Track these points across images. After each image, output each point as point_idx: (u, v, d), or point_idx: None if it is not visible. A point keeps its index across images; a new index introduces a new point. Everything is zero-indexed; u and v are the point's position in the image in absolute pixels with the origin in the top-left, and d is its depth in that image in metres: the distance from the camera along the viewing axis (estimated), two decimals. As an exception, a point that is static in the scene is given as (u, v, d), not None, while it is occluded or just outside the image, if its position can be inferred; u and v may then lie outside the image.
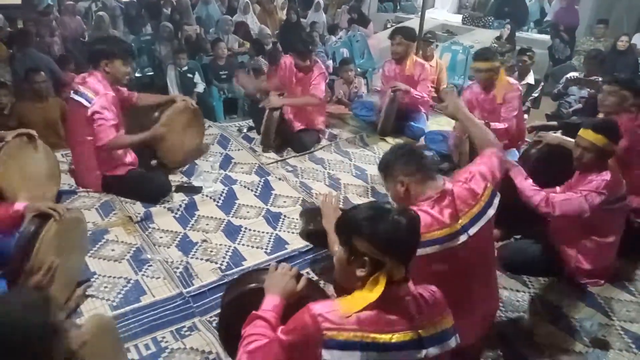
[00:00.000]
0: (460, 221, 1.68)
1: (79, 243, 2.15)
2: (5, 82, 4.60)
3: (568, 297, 2.35)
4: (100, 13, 7.01)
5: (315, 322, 1.22)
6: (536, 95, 5.21)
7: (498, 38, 7.49)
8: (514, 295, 2.33)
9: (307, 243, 2.57)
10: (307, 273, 2.40)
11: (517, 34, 7.86)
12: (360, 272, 1.27)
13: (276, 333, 1.31)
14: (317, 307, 1.25)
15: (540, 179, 2.35)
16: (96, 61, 2.84)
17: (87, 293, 2.14)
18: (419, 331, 1.25)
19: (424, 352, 1.25)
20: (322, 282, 2.32)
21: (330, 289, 1.98)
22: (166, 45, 6.46)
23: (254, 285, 1.64)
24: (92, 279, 2.25)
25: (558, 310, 2.27)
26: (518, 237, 2.71)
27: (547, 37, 7.97)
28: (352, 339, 1.20)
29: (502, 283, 2.33)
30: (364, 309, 1.22)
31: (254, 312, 1.42)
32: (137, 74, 6.17)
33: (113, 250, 2.49)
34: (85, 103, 2.73)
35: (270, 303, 1.44)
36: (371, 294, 1.23)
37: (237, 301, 1.69)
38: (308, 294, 1.55)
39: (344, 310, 1.23)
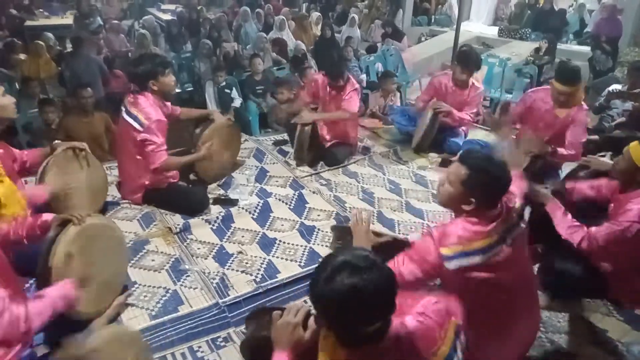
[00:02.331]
0: (498, 233, 1.67)
1: (112, 250, 2.19)
2: (52, 99, 4.87)
3: (613, 320, 2.26)
4: (143, 31, 7.30)
5: None
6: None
7: (537, 50, 7.34)
8: (555, 316, 2.26)
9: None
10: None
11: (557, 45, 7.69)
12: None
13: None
14: None
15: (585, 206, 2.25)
16: (144, 83, 2.93)
17: (127, 302, 2.22)
18: None
19: None
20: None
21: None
22: (205, 62, 6.66)
23: (266, 333, 1.51)
24: (132, 288, 2.33)
25: (603, 333, 2.18)
26: (558, 255, 2.63)
27: (587, 48, 7.77)
28: None
29: (542, 303, 2.26)
30: None
31: None
32: (177, 90, 6.38)
33: (153, 260, 2.57)
34: (137, 127, 2.82)
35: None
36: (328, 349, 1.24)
37: (253, 342, 1.66)
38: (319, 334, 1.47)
39: None
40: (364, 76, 6.93)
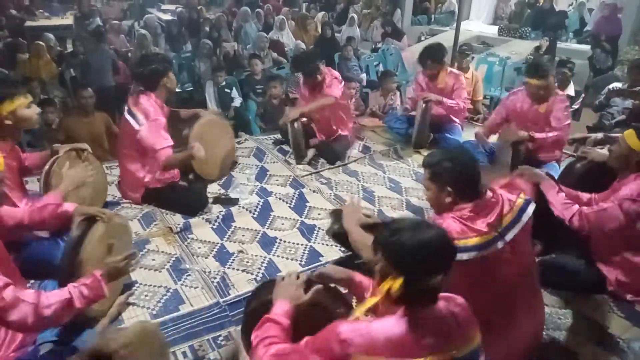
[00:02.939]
0: (498, 228, 1.67)
1: (121, 251, 2.22)
2: (53, 99, 4.88)
3: (614, 316, 2.25)
4: (143, 31, 7.30)
5: (342, 347, 1.21)
6: (577, 107, 5.07)
7: (537, 49, 7.34)
8: (556, 313, 2.25)
9: (342, 255, 2.61)
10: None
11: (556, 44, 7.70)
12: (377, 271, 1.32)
13: (301, 345, 1.30)
14: (344, 330, 1.24)
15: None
16: (155, 82, 2.94)
17: (128, 301, 2.22)
18: (453, 352, 1.23)
19: None
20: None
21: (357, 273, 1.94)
22: (205, 62, 6.66)
23: (270, 297, 1.61)
24: (133, 288, 2.33)
25: (604, 330, 2.18)
26: (559, 251, 2.63)
27: (587, 47, 7.76)
28: None
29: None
30: (393, 323, 1.23)
31: (265, 315, 1.44)
32: (177, 90, 6.38)
33: (154, 259, 2.57)
34: (135, 125, 2.84)
35: (280, 308, 1.46)
36: (374, 299, 1.29)
37: (258, 310, 1.67)
38: (321, 300, 1.56)
39: (373, 326, 1.25)
40: (364, 75, 6.94)
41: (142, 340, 1.47)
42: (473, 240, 1.63)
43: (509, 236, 1.68)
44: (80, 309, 1.65)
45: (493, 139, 3.85)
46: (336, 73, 3.91)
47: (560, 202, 2.19)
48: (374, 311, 1.38)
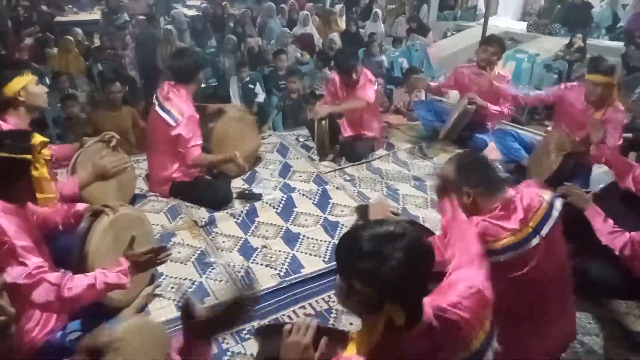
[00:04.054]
0: (530, 224, 1.64)
1: (141, 242, 2.23)
2: (74, 94, 4.98)
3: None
4: (169, 27, 7.38)
5: None
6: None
7: (568, 46, 7.15)
8: (586, 317, 2.20)
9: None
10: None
11: (587, 41, 7.49)
12: (359, 310, 1.19)
13: None
14: None
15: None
16: (191, 75, 2.99)
17: (155, 292, 2.26)
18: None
19: None
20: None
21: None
22: (230, 57, 6.71)
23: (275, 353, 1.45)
24: (159, 280, 2.36)
25: (635, 336, 2.12)
26: (588, 256, 2.56)
27: (620, 44, 7.53)
28: None
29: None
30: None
31: None
32: (202, 85, 6.44)
33: (179, 252, 2.60)
34: (171, 122, 2.87)
35: None
36: (369, 338, 1.15)
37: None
38: (329, 356, 1.41)
39: None
40: (383, 57, 6.84)
41: (135, 336, 1.46)
42: (508, 240, 1.59)
43: (544, 231, 1.64)
44: (102, 293, 1.72)
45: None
46: (371, 75, 3.85)
47: (607, 230, 2.07)
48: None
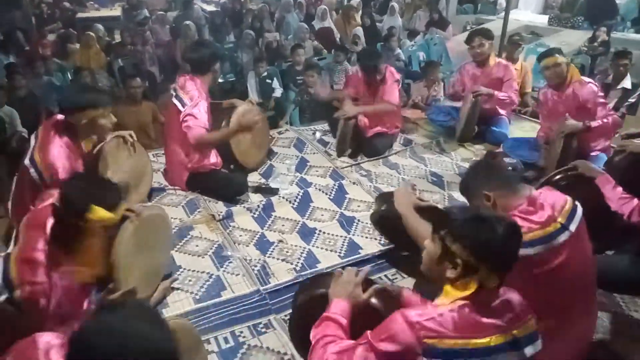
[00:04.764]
0: (559, 219, 1.64)
1: (162, 238, 2.27)
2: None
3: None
4: (187, 22, 7.44)
5: (413, 330, 1.20)
6: (633, 100, 4.78)
7: (591, 40, 6.98)
8: (606, 316, 2.16)
9: (381, 247, 2.60)
10: (380, 278, 2.39)
11: (611, 34, 7.30)
12: (450, 274, 1.28)
13: (365, 339, 1.27)
14: (413, 315, 1.23)
15: (627, 192, 2.15)
16: (207, 66, 3.05)
17: (173, 285, 2.29)
18: (514, 332, 1.24)
19: (523, 351, 1.25)
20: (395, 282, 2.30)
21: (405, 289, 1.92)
22: (248, 52, 6.73)
23: (324, 290, 1.60)
24: (177, 273, 2.40)
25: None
26: (612, 250, 2.51)
27: (646, 37, 7.33)
28: (454, 346, 1.19)
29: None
30: (457, 308, 1.23)
31: (324, 313, 1.43)
32: (220, 80, 6.49)
33: (197, 246, 2.63)
34: (181, 107, 2.93)
35: (339, 307, 1.43)
36: (460, 293, 1.26)
37: (307, 304, 1.69)
38: (377, 302, 1.53)
39: (438, 310, 1.24)
40: (399, 51, 6.81)
41: (185, 334, 1.51)
42: (537, 234, 1.59)
43: (572, 226, 1.64)
44: None
45: (533, 133, 3.71)
46: (397, 74, 3.84)
47: (617, 196, 2.08)
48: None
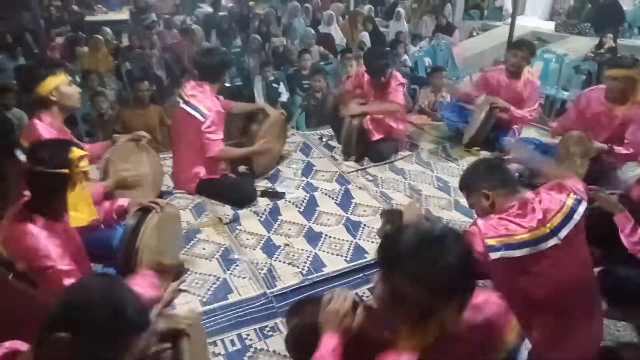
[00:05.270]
0: (548, 224, 1.65)
1: (175, 238, 2.32)
2: (103, 91, 5.11)
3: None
4: (194, 26, 7.49)
5: None
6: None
7: (598, 46, 6.98)
8: (614, 324, 2.15)
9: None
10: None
11: (618, 40, 7.29)
12: (404, 318, 1.15)
13: None
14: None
15: None
16: (218, 74, 3.07)
17: (180, 287, 2.30)
18: None
19: None
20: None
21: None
22: (254, 57, 6.77)
23: (313, 321, 1.50)
24: (185, 275, 2.41)
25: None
26: (619, 259, 2.50)
27: (654, 44, 7.32)
28: None
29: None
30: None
31: (315, 355, 1.35)
32: (226, 84, 6.52)
33: (204, 249, 2.65)
34: (199, 117, 2.93)
35: (330, 344, 1.35)
36: (423, 337, 1.12)
37: (300, 333, 1.65)
38: (368, 325, 1.45)
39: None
40: (405, 57, 6.82)
41: (196, 324, 1.54)
42: (524, 236, 1.61)
43: (562, 233, 1.65)
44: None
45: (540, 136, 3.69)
46: (401, 78, 3.84)
47: (635, 240, 2.06)
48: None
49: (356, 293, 2.29)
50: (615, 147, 3.02)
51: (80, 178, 1.75)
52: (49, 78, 2.35)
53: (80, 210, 1.78)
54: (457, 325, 1.13)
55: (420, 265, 1.06)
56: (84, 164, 1.77)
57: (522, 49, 3.76)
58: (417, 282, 1.06)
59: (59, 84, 2.37)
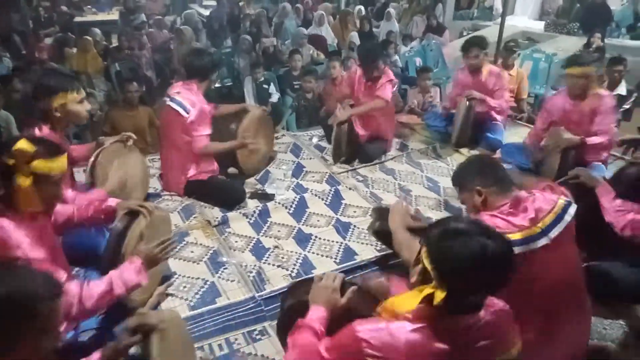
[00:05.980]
0: (539, 224, 1.66)
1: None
2: (92, 93, 5.06)
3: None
4: (183, 27, 7.44)
5: (358, 346, 1.20)
6: (628, 106, 4.82)
7: (586, 46, 7.03)
8: (601, 322, 2.16)
9: (377, 253, 2.60)
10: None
11: (606, 40, 7.34)
12: (416, 276, 1.26)
13: (319, 345, 1.31)
14: (362, 330, 1.21)
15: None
16: (206, 74, 3.08)
17: (167, 291, 2.28)
18: None
19: None
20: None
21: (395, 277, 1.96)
22: (245, 57, 6.73)
23: (306, 297, 1.60)
24: (172, 278, 2.39)
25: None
26: (606, 257, 2.51)
27: (641, 43, 7.38)
28: None
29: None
30: (414, 330, 1.18)
31: (299, 320, 1.43)
32: (217, 85, 6.49)
33: (192, 252, 2.63)
34: (182, 112, 2.93)
35: (316, 314, 1.44)
36: (408, 301, 1.22)
37: (295, 308, 1.68)
38: (355, 305, 1.54)
39: (392, 327, 1.20)
40: (396, 57, 6.83)
41: (174, 324, 1.53)
42: (514, 235, 1.60)
43: (553, 233, 1.65)
44: (120, 296, 1.72)
45: (523, 136, 3.71)
46: (392, 75, 3.86)
47: (614, 208, 2.11)
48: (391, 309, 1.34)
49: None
50: (588, 139, 3.08)
51: (27, 174, 1.64)
52: (60, 94, 2.23)
53: (28, 205, 1.67)
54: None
55: (445, 242, 1.20)
56: (40, 165, 1.65)
57: (472, 50, 3.91)
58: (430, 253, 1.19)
59: (67, 102, 2.26)
